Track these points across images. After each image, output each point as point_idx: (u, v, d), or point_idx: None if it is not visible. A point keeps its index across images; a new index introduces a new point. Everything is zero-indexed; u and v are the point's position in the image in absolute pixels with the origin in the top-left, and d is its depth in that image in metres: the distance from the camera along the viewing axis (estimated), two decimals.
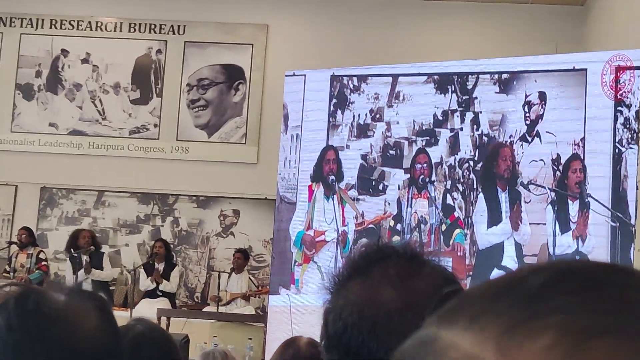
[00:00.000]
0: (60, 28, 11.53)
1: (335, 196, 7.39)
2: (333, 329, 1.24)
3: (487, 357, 0.49)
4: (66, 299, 1.30)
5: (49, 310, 1.27)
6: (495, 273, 6.74)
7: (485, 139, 6.92)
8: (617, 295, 0.50)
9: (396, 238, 6.89)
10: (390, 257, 1.26)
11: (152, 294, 10.11)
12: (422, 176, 7.04)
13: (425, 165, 7.05)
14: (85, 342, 1.26)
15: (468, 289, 0.57)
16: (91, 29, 11.50)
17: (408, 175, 7.16)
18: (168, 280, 10.17)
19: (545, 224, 6.60)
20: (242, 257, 10.32)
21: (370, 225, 7.21)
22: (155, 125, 11.43)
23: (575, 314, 0.49)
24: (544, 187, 6.55)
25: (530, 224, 6.63)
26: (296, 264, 7.55)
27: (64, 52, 11.62)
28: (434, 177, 7.02)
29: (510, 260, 6.69)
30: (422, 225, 7.00)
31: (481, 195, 6.80)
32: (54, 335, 1.25)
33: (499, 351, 0.49)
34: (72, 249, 10.17)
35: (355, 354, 1.20)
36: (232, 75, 11.44)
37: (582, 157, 6.43)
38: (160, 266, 10.22)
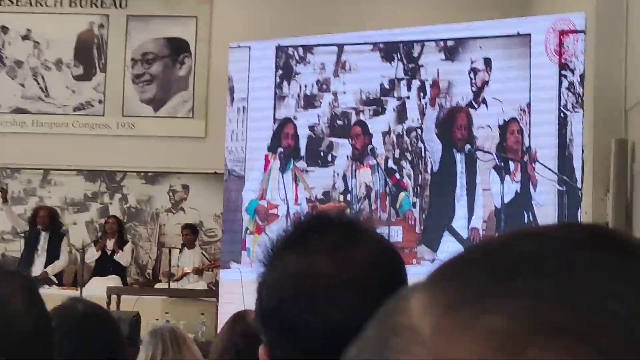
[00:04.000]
0: (0, 4, 11.26)
1: (290, 172, 7.36)
2: (267, 303, 1.19)
3: (423, 330, 0.42)
4: None
5: None
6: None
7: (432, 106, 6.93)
8: (601, 286, 0.41)
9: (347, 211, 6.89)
10: (326, 226, 1.22)
11: (102, 272, 9.98)
12: (359, 147, 7.05)
13: (359, 136, 7.07)
14: (10, 325, 1.20)
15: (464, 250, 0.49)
16: (31, 5, 11.25)
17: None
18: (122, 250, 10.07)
19: (489, 190, 6.65)
20: (191, 232, 10.24)
21: (320, 198, 7.20)
22: (99, 102, 11.25)
23: (541, 300, 0.40)
24: (491, 153, 6.59)
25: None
26: (247, 231, 7.51)
27: (4, 28, 11.35)
28: (375, 145, 7.03)
29: (462, 219, 6.72)
30: (370, 194, 7.00)
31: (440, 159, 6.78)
32: None
33: (438, 326, 0.41)
34: (30, 227, 10.03)
35: (292, 329, 1.16)
36: (177, 48, 11.29)
37: (529, 122, 6.47)
38: (110, 243, 10.10)
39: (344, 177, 7.12)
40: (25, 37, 11.34)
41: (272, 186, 7.42)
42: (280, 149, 7.42)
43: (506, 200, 6.51)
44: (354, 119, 7.16)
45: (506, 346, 0.39)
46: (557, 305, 0.40)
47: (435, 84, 6.85)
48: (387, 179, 6.90)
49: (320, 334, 1.13)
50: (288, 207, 7.27)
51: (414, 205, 6.92)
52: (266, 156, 7.51)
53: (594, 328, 0.39)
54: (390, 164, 6.94)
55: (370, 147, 7.01)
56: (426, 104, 6.91)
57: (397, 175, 6.89)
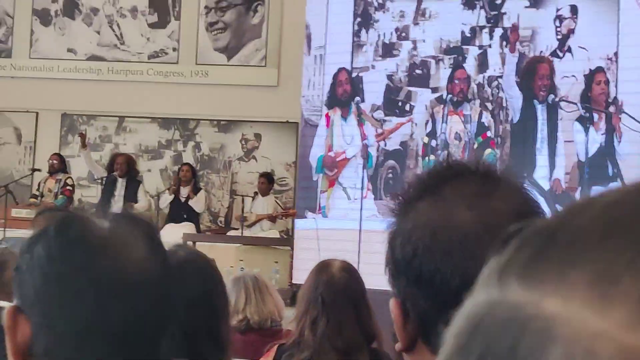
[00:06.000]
0: None
1: (352, 115, 7.29)
2: (401, 254, 1.14)
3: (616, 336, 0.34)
4: (111, 225, 1.21)
5: (92, 238, 1.18)
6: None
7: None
8: None
9: (432, 157, 6.79)
10: (463, 174, 1.16)
11: (176, 218, 10.08)
12: (460, 92, 6.89)
13: (463, 81, 6.89)
14: (133, 271, 1.17)
15: (548, 221, 0.40)
16: None
17: (435, 95, 7.01)
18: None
19: (572, 141, 6.49)
20: (267, 181, 10.24)
21: (396, 147, 7.12)
22: (174, 49, 11.29)
23: None
24: (575, 104, 6.41)
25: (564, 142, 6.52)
26: (321, 192, 7.48)
27: None
28: (470, 95, 6.88)
29: (543, 170, 6.58)
30: (457, 142, 6.88)
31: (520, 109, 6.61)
32: (100, 265, 1.16)
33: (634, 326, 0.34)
34: (108, 173, 10.16)
35: (426, 281, 1.11)
36: None
37: (616, 70, 6.27)
38: (185, 190, 10.19)
39: (433, 120, 6.97)
40: None
41: (336, 138, 7.37)
42: (338, 98, 7.33)
43: (590, 151, 6.34)
44: (433, 68, 7.02)
45: None
46: None
47: (514, 29, 6.67)
48: (477, 136, 6.74)
49: (455, 287, 1.08)
50: (358, 145, 7.20)
51: (495, 157, 6.79)
52: (327, 115, 7.45)
53: None
54: (484, 118, 6.78)
55: (467, 96, 6.83)
56: (509, 52, 6.74)
57: (489, 133, 6.74)
